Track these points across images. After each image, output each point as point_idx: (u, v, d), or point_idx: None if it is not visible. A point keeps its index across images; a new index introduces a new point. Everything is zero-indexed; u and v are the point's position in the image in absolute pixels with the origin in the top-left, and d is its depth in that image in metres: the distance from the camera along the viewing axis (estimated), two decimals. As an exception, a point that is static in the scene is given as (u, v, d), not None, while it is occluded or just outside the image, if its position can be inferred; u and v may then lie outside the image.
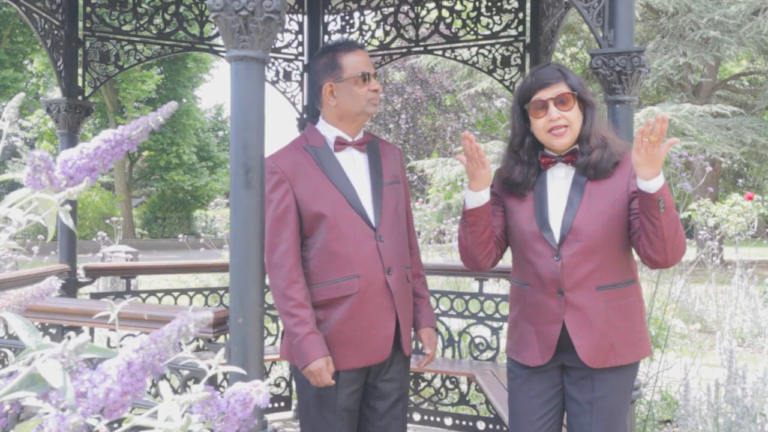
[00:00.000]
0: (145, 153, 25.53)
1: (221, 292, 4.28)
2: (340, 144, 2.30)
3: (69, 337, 0.62)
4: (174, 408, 0.64)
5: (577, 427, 2.06)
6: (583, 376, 2.04)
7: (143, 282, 8.16)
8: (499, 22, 3.98)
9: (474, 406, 3.95)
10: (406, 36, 4.27)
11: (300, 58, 4.32)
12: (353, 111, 2.29)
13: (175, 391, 3.75)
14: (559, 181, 2.09)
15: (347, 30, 4.29)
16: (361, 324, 2.21)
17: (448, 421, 3.98)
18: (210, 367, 0.72)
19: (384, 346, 2.25)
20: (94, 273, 3.90)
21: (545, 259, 2.02)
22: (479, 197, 2.02)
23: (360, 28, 4.28)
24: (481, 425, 3.89)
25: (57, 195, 0.67)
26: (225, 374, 3.04)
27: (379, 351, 2.25)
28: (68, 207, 0.69)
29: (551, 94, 2.02)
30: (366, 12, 4.28)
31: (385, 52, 4.31)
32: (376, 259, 2.22)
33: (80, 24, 3.79)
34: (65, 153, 0.69)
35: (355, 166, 2.31)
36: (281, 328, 4.52)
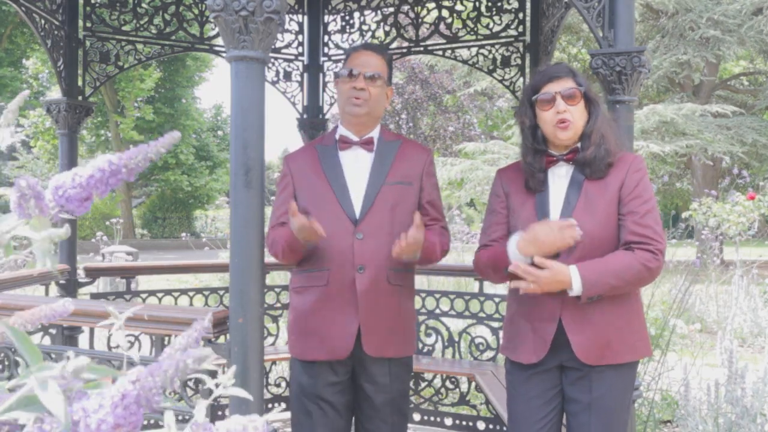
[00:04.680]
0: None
1: (221, 292, 4.27)
2: (345, 143, 2.36)
3: (68, 358, 0.61)
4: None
5: (577, 428, 2.06)
6: (581, 376, 2.04)
7: (143, 282, 8.15)
8: (499, 22, 3.98)
9: (474, 406, 3.95)
10: (406, 36, 4.27)
11: (300, 58, 4.32)
12: (341, 109, 2.38)
13: (174, 392, 3.75)
14: (559, 179, 2.10)
15: (347, 30, 4.28)
16: (327, 317, 2.25)
17: (448, 421, 3.97)
18: (217, 386, 0.71)
19: (345, 343, 2.24)
20: (94, 273, 3.90)
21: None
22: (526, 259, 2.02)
23: (360, 29, 4.27)
24: (481, 425, 3.89)
25: (40, 234, 0.64)
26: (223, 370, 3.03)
27: (340, 347, 2.25)
28: (50, 246, 0.65)
29: (559, 87, 2.05)
30: (366, 12, 4.27)
31: (385, 52, 4.31)
32: (349, 255, 2.24)
33: (80, 24, 3.79)
34: (57, 178, 0.65)
35: (356, 165, 2.34)
36: (281, 328, 4.54)
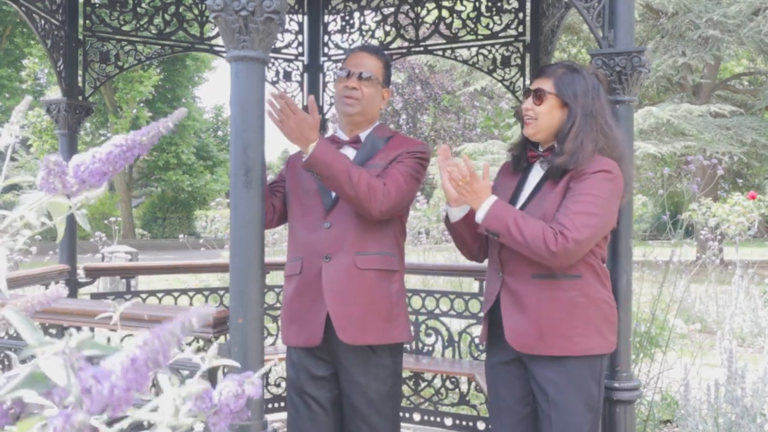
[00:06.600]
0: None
1: (221, 292, 4.28)
2: (335, 143, 2.43)
3: (70, 334, 0.62)
4: (169, 401, 0.64)
5: (543, 419, 2.11)
6: (535, 368, 2.09)
7: (143, 282, 8.15)
8: (499, 22, 3.97)
9: (474, 406, 3.95)
10: (406, 36, 4.27)
11: (300, 58, 4.32)
12: (336, 109, 2.46)
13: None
14: (534, 176, 2.19)
15: (347, 30, 4.28)
16: (304, 305, 2.33)
17: (448, 421, 3.98)
18: (203, 360, 0.73)
19: (316, 330, 2.31)
20: (94, 273, 3.90)
21: (495, 243, 2.15)
22: (457, 213, 2.20)
23: (360, 29, 4.27)
24: (481, 425, 3.89)
25: (74, 199, 0.69)
26: (224, 371, 3.04)
27: (314, 334, 2.32)
28: (84, 211, 0.71)
29: (535, 85, 2.15)
30: (366, 12, 4.27)
31: (385, 52, 4.31)
32: (317, 244, 2.31)
33: (80, 24, 3.79)
34: (77, 157, 0.70)
35: None
36: (280, 328, 4.53)
